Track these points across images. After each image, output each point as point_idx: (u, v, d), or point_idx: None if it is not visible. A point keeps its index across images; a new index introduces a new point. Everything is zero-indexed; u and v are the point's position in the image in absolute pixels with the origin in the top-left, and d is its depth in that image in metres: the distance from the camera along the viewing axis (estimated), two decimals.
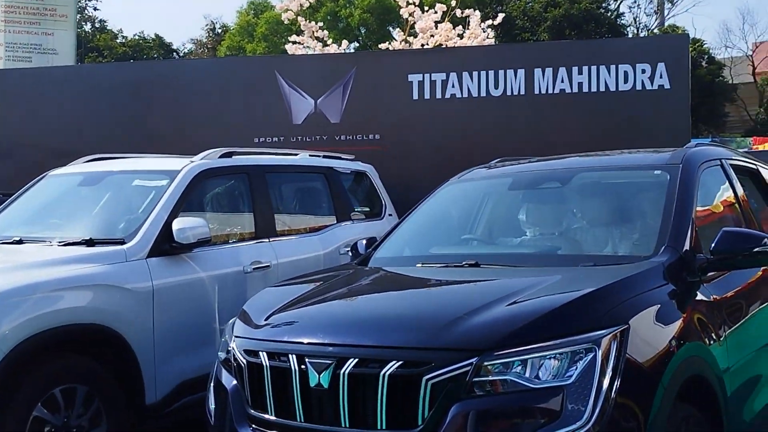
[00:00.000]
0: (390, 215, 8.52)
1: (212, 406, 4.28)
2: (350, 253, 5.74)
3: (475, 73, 10.43)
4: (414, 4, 15.60)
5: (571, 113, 10.33)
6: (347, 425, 3.63)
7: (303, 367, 3.72)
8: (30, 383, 4.92)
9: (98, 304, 5.36)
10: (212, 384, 4.40)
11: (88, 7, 48.12)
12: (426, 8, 16.14)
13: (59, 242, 5.94)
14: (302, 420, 3.75)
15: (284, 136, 10.64)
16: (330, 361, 3.66)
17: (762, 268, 4.94)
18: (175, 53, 49.79)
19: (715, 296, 4.43)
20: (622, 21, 43.79)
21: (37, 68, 15.94)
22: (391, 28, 39.15)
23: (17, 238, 6.13)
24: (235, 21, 45.15)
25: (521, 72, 10.39)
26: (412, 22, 15.83)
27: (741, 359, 4.47)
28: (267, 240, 6.79)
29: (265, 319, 4.16)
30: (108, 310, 5.40)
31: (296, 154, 8.00)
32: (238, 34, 41.57)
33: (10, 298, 4.92)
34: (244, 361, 4.01)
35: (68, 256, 5.59)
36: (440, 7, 15.45)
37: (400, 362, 3.53)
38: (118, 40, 47.04)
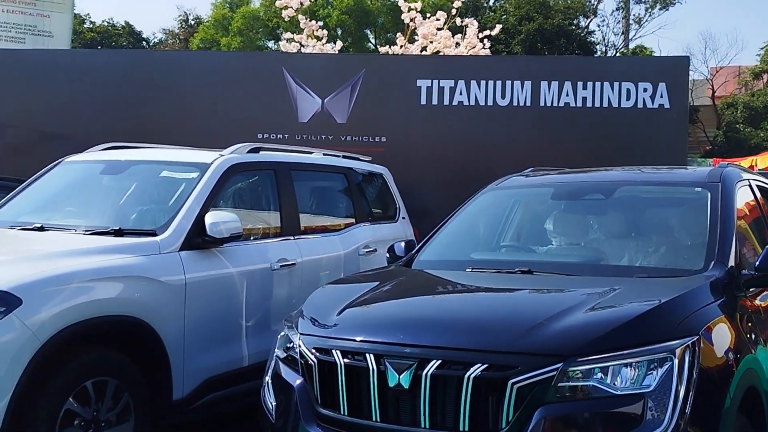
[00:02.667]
0: (404, 218, 8.49)
1: (272, 402, 4.22)
2: (387, 255, 5.69)
3: (483, 82, 10.48)
4: (416, 9, 15.63)
5: (574, 126, 10.44)
6: (426, 425, 3.61)
7: (381, 366, 3.69)
8: (63, 375, 4.78)
9: (133, 295, 5.24)
10: (270, 380, 4.34)
11: None
12: (427, 15, 16.14)
13: (85, 230, 5.80)
14: (378, 420, 3.71)
15: (289, 133, 10.57)
16: (411, 362, 3.63)
17: None
18: (144, 42, 49.17)
19: (759, 309, 4.56)
20: (592, 39, 44.31)
21: (31, 50, 15.62)
22: (368, 32, 39.25)
23: (38, 225, 5.97)
24: (209, 13, 44.71)
25: (528, 84, 10.47)
26: (413, 27, 15.86)
27: None
28: (292, 237, 6.72)
29: (335, 317, 4.11)
30: (142, 303, 5.28)
31: (311, 153, 7.93)
32: (213, 27, 41.06)
33: (48, 286, 4.77)
34: (314, 359, 3.95)
35: (101, 245, 5.45)
36: (441, 14, 15.51)
37: (485, 365, 3.53)
38: (85, 25, 46.23)
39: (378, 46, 38.22)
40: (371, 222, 7.87)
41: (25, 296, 4.60)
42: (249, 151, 6.66)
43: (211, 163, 6.25)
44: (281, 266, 6.42)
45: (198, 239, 5.78)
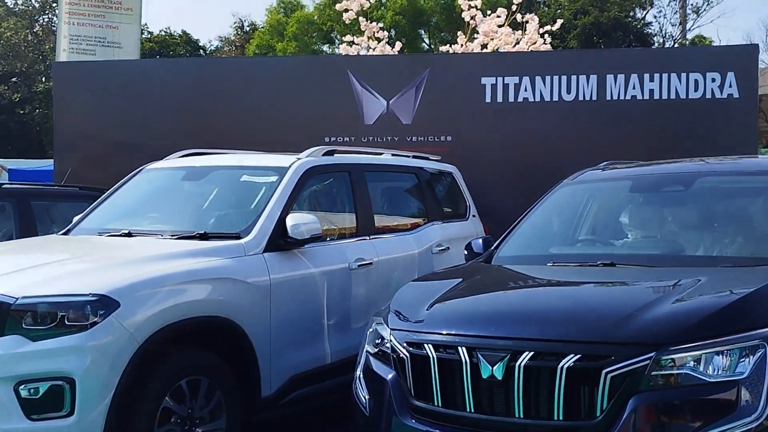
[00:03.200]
0: (474, 216, 8.56)
1: (365, 395, 4.33)
2: (465, 252, 5.78)
3: (548, 78, 10.46)
4: (476, 7, 15.67)
5: (642, 119, 10.36)
6: (521, 416, 3.69)
7: (474, 359, 3.78)
8: (159, 374, 4.97)
9: (222, 297, 5.41)
10: (362, 375, 4.45)
11: None
12: (488, 12, 16.17)
13: (171, 235, 5.99)
14: (472, 410, 3.80)
15: (355, 136, 10.68)
16: (504, 354, 3.72)
17: None
18: (201, 50, 49.92)
19: None
20: (649, 30, 43.84)
21: (103, 61, 16.01)
22: (422, 31, 39.28)
23: (126, 231, 6.18)
24: (264, 19, 45.17)
25: (593, 78, 10.43)
26: (473, 26, 15.91)
27: None
28: (368, 237, 6.84)
29: (425, 312, 4.21)
30: (231, 303, 5.44)
31: (381, 154, 8.05)
32: (268, 33, 41.51)
33: (143, 290, 4.96)
34: (407, 353, 4.06)
35: (189, 249, 5.62)
36: (502, 11, 15.53)
37: (579, 356, 3.61)
38: (144, 35, 47.16)
39: (432, 46, 38.26)
40: (443, 220, 7.95)
41: (122, 299, 4.80)
42: (324, 154, 6.79)
43: (289, 166, 6.39)
44: (359, 266, 6.54)
45: (280, 241, 5.93)
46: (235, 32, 51.61)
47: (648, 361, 3.55)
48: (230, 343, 5.50)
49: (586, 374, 3.59)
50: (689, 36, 44.50)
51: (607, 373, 3.55)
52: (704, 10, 45.88)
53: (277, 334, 5.76)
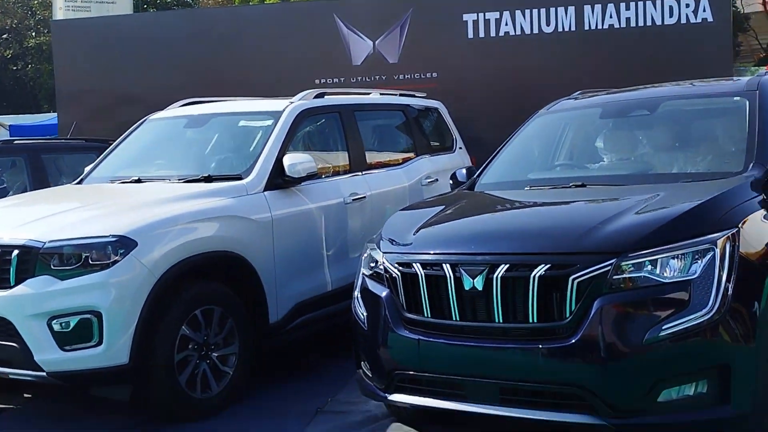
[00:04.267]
0: (460, 148, 9.00)
1: (363, 312, 4.81)
2: (450, 182, 6.22)
3: (527, 11, 10.81)
4: None
5: (619, 48, 10.71)
6: (500, 321, 4.19)
7: (457, 274, 4.27)
8: (177, 305, 5.46)
9: (229, 233, 5.89)
10: (359, 294, 4.93)
11: None
12: None
13: (178, 179, 6.45)
14: (457, 318, 4.30)
15: (344, 76, 11.08)
16: (483, 268, 4.20)
17: None
18: None
19: None
20: None
21: (97, 18, 16.35)
22: None
23: (136, 178, 6.65)
24: None
25: (571, 9, 10.76)
26: None
27: None
28: (360, 173, 7.30)
29: (412, 236, 4.69)
30: (237, 239, 5.93)
31: (369, 93, 8.45)
32: None
33: (157, 229, 5.44)
34: (397, 272, 4.54)
35: (196, 191, 6.09)
36: None
37: (548, 265, 4.08)
38: None
39: None
40: (431, 154, 8.39)
41: (139, 239, 5.29)
42: (315, 97, 7.21)
43: (283, 110, 6.82)
44: (353, 200, 7.01)
45: (279, 180, 6.39)
46: None
47: (609, 267, 4.00)
48: (239, 275, 5.99)
49: (556, 281, 4.05)
50: None
51: (573, 279, 4.01)
52: None
53: (281, 266, 6.24)
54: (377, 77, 11.05)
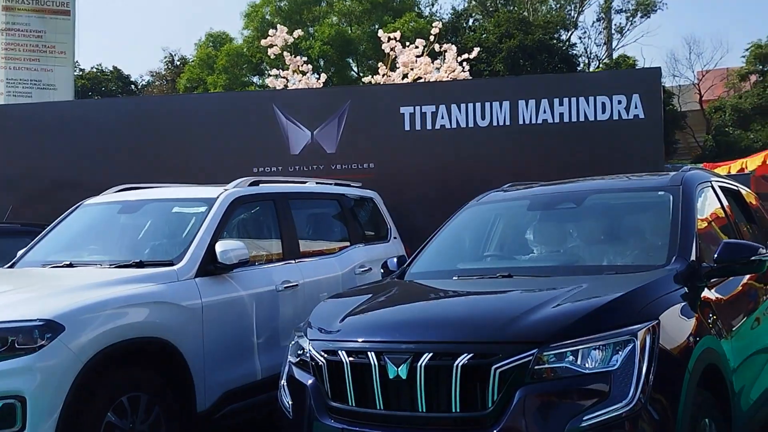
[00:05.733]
0: (395, 238, 9.09)
1: (288, 401, 4.80)
2: (381, 270, 6.29)
3: (462, 105, 11.05)
4: (395, 39, 16.30)
5: (553, 142, 10.97)
6: (424, 410, 4.20)
7: (381, 362, 4.29)
8: (102, 391, 5.39)
9: (158, 319, 5.86)
10: (285, 383, 4.92)
11: None
12: (407, 43, 16.80)
13: (110, 264, 6.41)
14: (382, 408, 4.31)
15: (282, 165, 11.16)
16: (407, 356, 4.23)
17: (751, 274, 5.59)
18: (133, 85, 49.93)
19: (719, 298, 5.11)
20: (574, 51, 45.06)
21: (38, 103, 16.33)
22: (350, 60, 39.91)
23: (67, 262, 6.60)
24: (193, 53, 45.52)
25: (506, 104, 11.04)
26: (393, 57, 16.55)
27: (743, 351, 5.14)
28: (293, 261, 7.33)
29: (339, 324, 4.71)
30: (166, 325, 5.90)
31: (305, 182, 8.55)
32: (198, 67, 41.87)
33: (86, 314, 5.40)
34: (323, 360, 4.55)
35: (126, 276, 6.07)
36: (420, 42, 16.19)
37: (471, 354, 4.13)
38: (75, 73, 47.09)
39: (360, 74, 38.97)
40: (365, 243, 8.47)
41: (67, 323, 5.24)
42: (250, 185, 7.28)
43: (217, 197, 6.87)
44: (285, 287, 7.03)
45: (210, 266, 6.40)
46: (166, 66, 51.76)
47: (531, 357, 4.05)
48: (167, 362, 5.94)
49: (478, 370, 4.09)
50: (615, 55, 45.72)
51: (495, 369, 4.05)
52: (628, 29, 47.30)
53: (210, 353, 6.21)
54: (315, 166, 11.16)
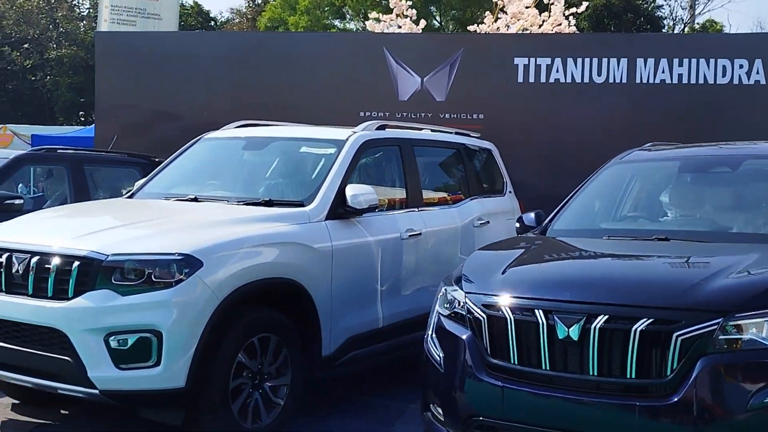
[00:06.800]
0: (510, 192, 8.84)
1: (439, 353, 4.61)
2: (517, 224, 6.06)
3: (579, 60, 10.70)
4: None
5: (670, 103, 10.58)
6: (595, 373, 4.00)
7: (550, 321, 4.09)
8: (236, 331, 5.28)
9: (290, 260, 5.73)
10: (435, 335, 4.74)
11: None
12: None
13: (237, 201, 6.28)
14: (547, 368, 4.11)
15: (389, 111, 10.93)
16: (580, 317, 4.02)
17: None
18: (213, 22, 49.94)
19: None
20: (660, 13, 43.84)
21: (142, 32, 16.34)
22: (433, 8, 39.24)
23: (192, 196, 6.47)
24: None
25: (624, 61, 10.65)
26: (501, 6, 16.13)
27: None
28: (416, 209, 7.13)
29: (499, 278, 4.51)
30: (298, 267, 5.76)
31: (421, 129, 8.31)
32: (280, 6, 41.61)
33: (223, 251, 5.28)
34: (483, 314, 4.36)
35: (259, 215, 5.93)
36: None
37: (651, 319, 3.91)
38: None
39: (442, 24, 38.31)
40: (482, 195, 8.23)
41: (205, 259, 5.12)
42: (377, 128, 7.07)
43: (347, 139, 6.67)
44: (409, 236, 6.84)
45: (340, 209, 6.23)
46: (247, 4, 51.63)
47: (716, 327, 3.83)
48: (296, 304, 5.81)
49: (658, 337, 3.88)
50: (699, 20, 44.46)
51: (677, 336, 3.84)
52: None
53: (338, 297, 6.07)
54: (423, 114, 10.88)
